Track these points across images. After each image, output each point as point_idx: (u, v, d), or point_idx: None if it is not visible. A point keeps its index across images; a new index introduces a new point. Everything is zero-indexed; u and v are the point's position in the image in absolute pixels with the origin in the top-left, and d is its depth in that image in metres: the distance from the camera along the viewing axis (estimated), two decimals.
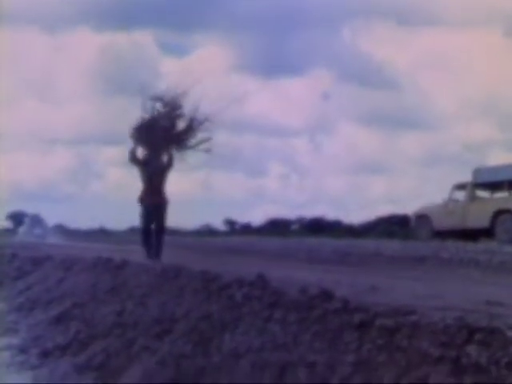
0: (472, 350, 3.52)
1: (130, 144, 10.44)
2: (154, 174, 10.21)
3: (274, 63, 68.09)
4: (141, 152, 10.40)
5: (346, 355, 4.06)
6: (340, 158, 67.25)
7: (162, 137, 10.23)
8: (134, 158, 10.35)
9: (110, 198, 66.87)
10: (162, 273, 7.48)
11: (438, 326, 3.83)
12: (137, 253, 12.34)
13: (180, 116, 10.40)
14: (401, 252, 13.11)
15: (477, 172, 19.12)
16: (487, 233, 17.82)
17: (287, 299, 5.14)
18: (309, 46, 62.53)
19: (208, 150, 10.44)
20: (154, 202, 10.13)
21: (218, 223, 45.52)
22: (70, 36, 71.61)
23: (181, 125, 10.41)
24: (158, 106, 10.34)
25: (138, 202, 10.29)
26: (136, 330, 6.22)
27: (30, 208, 46.42)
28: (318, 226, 38.81)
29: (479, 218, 18.14)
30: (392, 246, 15.74)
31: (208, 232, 40.73)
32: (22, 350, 6.95)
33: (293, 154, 69.46)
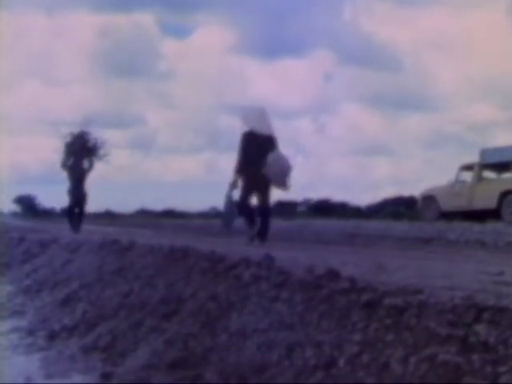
0: (480, 329, 3.51)
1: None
2: (76, 175, 15.66)
3: (275, 44, 67.88)
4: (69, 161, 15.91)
5: (353, 335, 4.05)
6: (343, 139, 67.33)
7: (79, 152, 15.85)
8: (65, 164, 15.87)
9: (116, 180, 67.01)
10: (169, 254, 7.49)
11: (445, 305, 3.82)
12: (144, 235, 12.39)
13: (87, 141, 16.17)
14: (408, 233, 13.10)
15: (484, 153, 19.10)
16: (494, 214, 17.82)
17: (294, 279, 5.14)
18: (310, 27, 62.23)
19: (107, 161, 16.67)
20: (77, 194, 15.76)
21: None
22: (69, 18, 71.45)
23: (89, 145, 16.15)
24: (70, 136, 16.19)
25: (67, 194, 15.96)
26: (143, 310, 6.23)
27: (34, 191, 46.68)
28: (324, 208, 38.90)
29: (486, 198, 18.13)
30: (399, 227, 15.75)
31: (214, 214, 40.78)
32: (30, 331, 6.98)
33: (296, 135, 69.49)
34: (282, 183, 9.68)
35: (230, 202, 10.04)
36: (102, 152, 16.35)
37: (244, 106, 10.55)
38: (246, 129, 9.74)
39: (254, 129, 9.62)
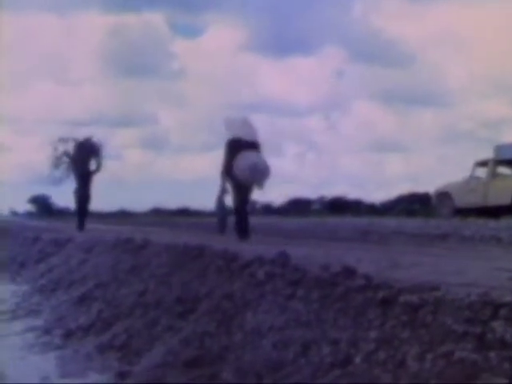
0: (497, 325, 3.49)
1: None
2: (82, 175, 16.34)
3: (285, 42, 67.82)
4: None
5: (369, 332, 4.04)
6: (355, 136, 67.25)
7: (84, 154, 16.52)
8: (72, 165, 16.69)
9: (129, 179, 67.16)
10: (184, 252, 7.49)
11: (462, 301, 3.80)
12: (158, 234, 12.39)
13: (89, 145, 16.76)
14: (422, 229, 13.04)
15: (498, 149, 19.01)
16: (509, 210, 17.71)
17: (309, 277, 5.13)
18: (320, 24, 62.11)
19: (106, 161, 17.33)
20: (83, 193, 16.39)
21: None
22: (80, 18, 71.73)
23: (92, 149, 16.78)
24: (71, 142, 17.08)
25: (73, 193, 16.61)
26: (158, 309, 6.24)
27: (48, 191, 46.86)
28: (338, 206, 38.84)
29: (501, 194, 18.04)
30: (413, 223, 15.68)
31: (229, 213, 40.68)
32: (46, 330, 7.01)
33: (308, 133, 69.48)
34: (252, 181, 9.98)
35: (222, 206, 10.63)
36: (103, 153, 17.15)
37: (228, 117, 10.95)
38: (229, 137, 10.13)
39: (237, 136, 10.02)
